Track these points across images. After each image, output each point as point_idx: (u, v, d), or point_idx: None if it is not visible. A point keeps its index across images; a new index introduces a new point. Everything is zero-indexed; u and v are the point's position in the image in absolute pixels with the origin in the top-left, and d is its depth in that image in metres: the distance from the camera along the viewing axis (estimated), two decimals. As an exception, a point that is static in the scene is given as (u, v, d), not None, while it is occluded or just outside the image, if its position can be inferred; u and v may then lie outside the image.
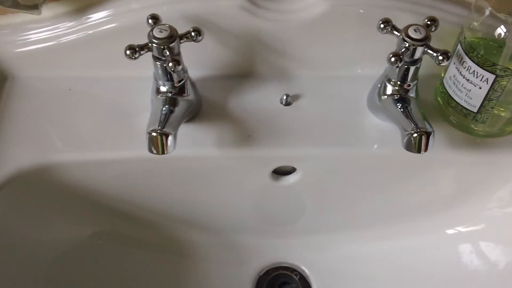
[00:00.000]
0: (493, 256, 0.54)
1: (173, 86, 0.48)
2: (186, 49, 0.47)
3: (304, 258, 0.59)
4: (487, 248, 0.54)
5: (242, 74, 0.56)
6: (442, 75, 0.51)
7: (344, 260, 0.59)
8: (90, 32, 0.51)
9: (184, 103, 0.48)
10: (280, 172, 0.54)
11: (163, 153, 0.43)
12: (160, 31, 0.44)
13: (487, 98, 0.46)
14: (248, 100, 0.53)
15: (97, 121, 0.52)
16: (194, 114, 0.52)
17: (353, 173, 0.53)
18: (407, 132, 0.43)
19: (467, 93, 0.47)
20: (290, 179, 0.54)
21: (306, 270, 0.59)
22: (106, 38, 0.52)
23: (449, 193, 0.55)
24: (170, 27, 0.45)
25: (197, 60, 0.52)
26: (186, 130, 0.50)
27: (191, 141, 0.50)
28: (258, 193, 0.56)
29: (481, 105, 0.47)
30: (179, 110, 0.47)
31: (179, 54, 0.46)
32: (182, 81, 0.48)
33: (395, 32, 0.45)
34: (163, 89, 0.48)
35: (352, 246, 0.59)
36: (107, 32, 0.51)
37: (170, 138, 0.43)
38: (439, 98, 0.52)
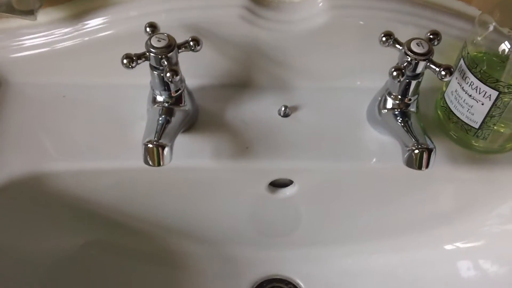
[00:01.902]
0: (492, 273, 0.53)
1: (170, 96, 0.47)
2: (184, 57, 0.46)
3: (300, 271, 0.59)
4: (485, 265, 0.54)
5: (240, 84, 0.55)
6: (444, 89, 0.50)
7: (340, 274, 0.58)
8: (86, 38, 0.51)
9: (180, 113, 0.48)
10: (277, 185, 0.53)
11: (159, 165, 0.42)
12: (158, 40, 0.44)
13: (489, 114, 0.45)
14: (246, 111, 0.53)
15: (92, 129, 0.51)
16: (191, 124, 0.51)
17: (351, 186, 0.52)
18: (408, 148, 0.42)
19: (469, 109, 0.46)
20: (287, 191, 0.53)
21: (301, 283, 0.58)
22: (103, 45, 0.51)
23: (448, 209, 0.54)
24: (169, 36, 0.44)
25: (194, 69, 0.52)
26: (182, 141, 0.49)
27: (187, 152, 0.49)
28: (254, 205, 0.55)
29: (483, 121, 0.46)
30: (175, 120, 0.46)
31: (177, 64, 0.46)
32: (179, 91, 0.47)
33: (397, 46, 0.44)
34: (159, 98, 0.47)
35: (348, 260, 0.59)
36: (103, 39, 0.50)
37: (166, 149, 0.42)
38: (439, 112, 0.51)
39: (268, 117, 0.52)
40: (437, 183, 0.52)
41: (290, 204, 0.54)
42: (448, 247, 0.56)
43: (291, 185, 0.53)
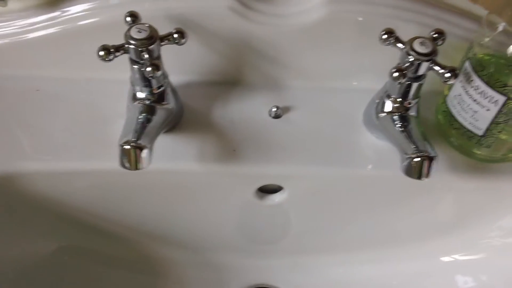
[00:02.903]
0: None
1: (151, 93, 0.44)
2: (168, 51, 0.43)
3: (289, 280, 0.56)
4: (485, 279, 0.51)
5: (228, 82, 0.52)
6: (446, 92, 0.47)
7: (331, 284, 0.56)
8: (63, 28, 0.48)
9: (163, 111, 0.44)
10: (266, 190, 0.50)
11: (136, 168, 0.39)
12: (139, 31, 0.40)
13: (494, 121, 0.42)
14: (234, 111, 0.50)
15: (68, 127, 0.48)
16: (174, 124, 0.48)
17: (344, 194, 0.49)
18: (407, 156, 0.40)
19: (473, 115, 0.43)
20: (276, 198, 0.50)
21: None
22: (80, 36, 0.48)
23: (446, 219, 0.52)
24: (150, 27, 0.41)
25: (179, 64, 0.50)
26: (164, 142, 0.46)
27: (170, 154, 0.46)
28: (241, 211, 0.52)
29: (487, 129, 0.43)
30: (157, 119, 0.43)
31: (159, 57, 0.42)
32: (162, 88, 0.44)
33: (399, 45, 0.42)
34: (140, 95, 0.44)
35: (340, 269, 0.56)
36: (81, 29, 0.47)
37: (145, 151, 0.39)
38: (439, 117, 0.49)
39: (257, 118, 0.50)
40: (436, 193, 0.49)
41: (279, 211, 0.51)
42: (445, 259, 0.53)
43: (280, 191, 0.50)
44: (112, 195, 0.49)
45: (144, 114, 0.43)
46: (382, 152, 0.47)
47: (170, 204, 0.51)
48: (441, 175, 0.47)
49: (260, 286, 0.56)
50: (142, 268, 0.55)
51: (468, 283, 0.52)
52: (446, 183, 0.48)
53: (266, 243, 0.57)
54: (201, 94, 0.51)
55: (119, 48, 0.40)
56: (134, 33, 0.40)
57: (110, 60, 0.40)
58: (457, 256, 0.53)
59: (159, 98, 0.44)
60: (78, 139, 0.47)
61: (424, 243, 0.53)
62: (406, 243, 0.54)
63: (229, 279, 0.56)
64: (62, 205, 0.49)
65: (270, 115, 0.50)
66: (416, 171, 0.39)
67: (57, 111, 0.49)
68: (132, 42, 0.40)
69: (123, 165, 0.39)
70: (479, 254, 0.52)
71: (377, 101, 0.46)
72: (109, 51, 0.40)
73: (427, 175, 0.39)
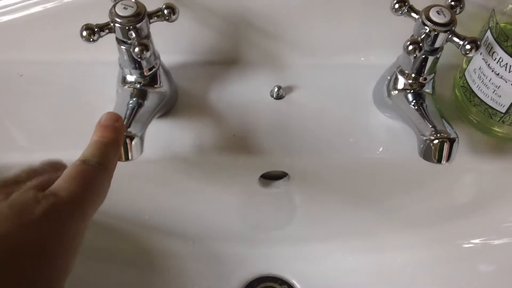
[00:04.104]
0: None
1: (142, 75, 0.41)
2: (159, 29, 0.40)
3: (294, 269, 0.55)
4: (508, 265, 0.48)
5: (226, 61, 0.49)
6: (464, 66, 0.44)
7: (340, 272, 0.54)
8: (45, 6, 0.45)
9: (155, 95, 0.41)
10: (269, 177, 0.48)
11: (127, 159, 0.36)
12: (125, 8, 0.37)
13: (519, 96, 0.39)
14: (233, 92, 0.47)
15: (54, 114, 0.45)
16: (168, 109, 0.45)
17: (353, 179, 0.47)
18: (425, 138, 0.36)
19: (495, 90, 0.40)
20: (281, 185, 0.48)
21: (296, 283, 0.54)
22: (65, 14, 0.45)
23: (464, 202, 0.49)
24: (137, 3, 0.37)
25: (172, 43, 0.47)
26: (158, 128, 0.44)
27: (164, 141, 0.43)
28: (244, 199, 0.50)
29: (511, 105, 0.40)
30: (149, 104, 0.40)
31: (148, 36, 0.39)
32: (153, 69, 0.41)
33: (413, 14, 0.38)
34: (130, 78, 0.41)
35: (348, 257, 0.54)
36: (66, 7, 0.45)
37: (135, 141, 0.36)
38: (457, 92, 0.45)
39: (258, 100, 0.47)
40: (453, 174, 0.46)
41: (284, 198, 0.49)
42: (464, 244, 0.51)
43: (285, 178, 0.47)
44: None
45: (134, 99, 0.40)
46: (395, 133, 0.45)
47: (167, 194, 0.48)
48: (459, 156, 0.43)
49: (264, 275, 0.54)
50: (138, 261, 0.53)
51: (489, 269, 0.50)
52: (464, 164, 0.44)
53: (269, 232, 0.55)
54: (196, 75, 0.48)
55: (103, 28, 0.37)
56: (119, 10, 0.37)
57: (94, 40, 0.37)
58: (477, 241, 0.50)
59: (151, 81, 0.41)
60: (65, 128, 0.44)
61: (441, 229, 0.51)
62: (421, 229, 0.51)
63: (231, 269, 0.54)
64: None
65: (271, 96, 0.47)
66: (435, 155, 0.36)
67: (43, 98, 0.46)
68: (118, 20, 0.37)
69: (112, 157, 0.36)
70: (501, 239, 0.49)
71: (388, 77, 0.43)
72: (93, 31, 0.37)
73: (448, 158, 0.36)
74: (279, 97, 0.47)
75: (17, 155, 0.43)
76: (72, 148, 0.42)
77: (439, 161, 0.36)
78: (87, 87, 0.47)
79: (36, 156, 0.42)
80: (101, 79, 0.46)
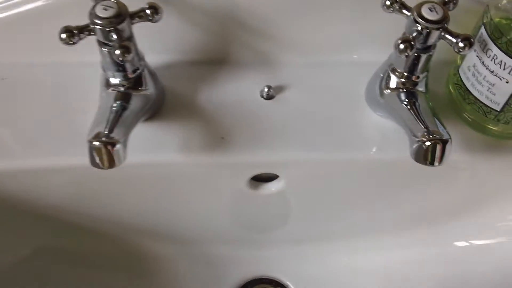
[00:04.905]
0: (510, 274, 0.47)
1: (126, 78, 0.40)
2: (143, 28, 0.39)
3: (288, 270, 0.54)
4: (504, 265, 0.48)
5: (214, 60, 0.49)
6: (458, 62, 0.43)
7: (335, 273, 0.53)
8: (24, 8, 0.44)
9: (140, 98, 0.40)
10: (260, 179, 0.47)
11: (110, 167, 0.35)
12: (105, 9, 0.36)
13: (514, 94, 0.38)
14: (222, 93, 0.46)
15: (37, 119, 0.44)
16: (155, 111, 0.44)
17: (346, 180, 0.46)
18: (417, 139, 0.35)
19: (489, 88, 0.39)
20: (272, 187, 0.47)
21: (290, 284, 0.53)
22: (46, 16, 0.44)
23: (460, 201, 0.49)
24: (118, 3, 0.36)
25: (158, 43, 0.46)
26: (145, 131, 0.43)
27: (151, 145, 0.42)
28: (234, 202, 0.49)
29: (506, 103, 0.39)
30: (133, 107, 0.39)
31: (130, 38, 0.38)
32: (138, 71, 0.40)
33: (404, 11, 0.37)
34: (113, 81, 0.40)
35: (343, 258, 0.54)
36: (47, 8, 0.44)
37: (117, 147, 0.35)
38: (451, 89, 0.44)
39: (248, 100, 0.46)
40: (448, 174, 0.45)
41: (276, 200, 0.48)
42: (460, 243, 0.50)
43: (276, 180, 0.47)
44: (90, 191, 0.46)
45: (118, 102, 0.39)
46: (387, 133, 0.44)
47: (155, 198, 0.47)
48: (453, 155, 0.42)
49: (259, 277, 0.54)
50: (128, 267, 0.52)
51: (485, 269, 0.49)
52: (459, 162, 0.44)
53: (263, 233, 0.54)
54: (183, 75, 0.47)
55: (83, 29, 0.36)
56: (99, 11, 0.36)
57: (74, 43, 0.36)
58: (473, 241, 0.50)
59: (136, 83, 0.40)
60: (49, 132, 0.43)
61: (436, 228, 0.51)
62: (416, 229, 0.51)
63: (224, 272, 0.54)
64: (35, 205, 0.45)
65: (262, 96, 0.46)
66: (427, 156, 0.35)
67: (24, 102, 0.46)
68: (98, 21, 0.35)
69: (94, 164, 0.35)
70: (498, 237, 0.49)
71: (380, 75, 0.42)
72: (72, 33, 0.35)
73: (440, 160, 0.35)
74: (269, 97, 0.46)
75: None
76: (56, 153, 0.42)
77: (431, 163, 0.35)
78: (71, 90, 0.46)
79: (18, 164, 0.42)
80: (86, 82, 0.45)
